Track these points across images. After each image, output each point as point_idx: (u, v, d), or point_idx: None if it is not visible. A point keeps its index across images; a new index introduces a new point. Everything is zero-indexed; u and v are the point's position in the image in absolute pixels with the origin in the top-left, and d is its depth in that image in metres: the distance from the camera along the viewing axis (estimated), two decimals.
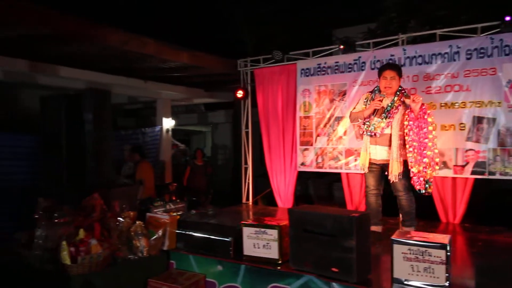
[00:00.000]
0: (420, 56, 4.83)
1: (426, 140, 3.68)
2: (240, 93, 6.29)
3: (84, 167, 4.47)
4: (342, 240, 2.72)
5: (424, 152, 3.67)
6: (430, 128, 3.69)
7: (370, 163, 3.99)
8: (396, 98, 3.86)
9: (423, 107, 3.72)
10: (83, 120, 4.45)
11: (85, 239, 3.12)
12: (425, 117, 3.70)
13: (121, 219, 3.48)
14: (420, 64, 4.84)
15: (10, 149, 5.33)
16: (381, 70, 3.95)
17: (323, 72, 5.59)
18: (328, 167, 5.52)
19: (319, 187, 7.65)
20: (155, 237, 3.54)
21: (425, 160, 3.67)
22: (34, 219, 3.59)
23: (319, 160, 5.59)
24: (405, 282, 2.53)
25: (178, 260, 3.65)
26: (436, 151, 3.79)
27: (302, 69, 5.76)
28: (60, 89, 7.54)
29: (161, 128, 9.38)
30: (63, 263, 2.98)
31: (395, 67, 3.96)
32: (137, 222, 3.52)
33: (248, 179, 6.46)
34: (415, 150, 3.70)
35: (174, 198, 5.21)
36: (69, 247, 3.00)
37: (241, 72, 6.46)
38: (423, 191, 3.74)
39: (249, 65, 6.38)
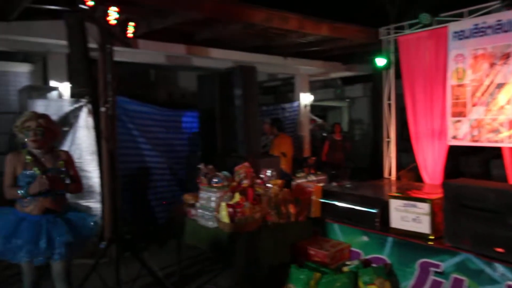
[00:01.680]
0: None
1: None
2: (381, 62, 5.99)
3: (235, 139, 4.88)
4: (509, 217, 2.44)
5: None
6: None
7: None
8: None
9: None
10: (233, 96, 4.82)
11: (240, 202, 3.44)
12: None
13: (270, 185, 3.73)
14: None
15: (174, 124, 6.18)
16: None
17: (481, 33, 4.93)
18: (486, 141, 4.91)
19: (474, 164, 6.88)
20: (301, 204, 3.71)
21: None
22: (196, 183, 4.13)
23: (475, 133, 5.01)
24: None
25: (323, 228, 3.77)
26: None
27: (455, 32, 5.17)
28: (210, 70, 8.33)
29: (299, 104, 9.59)
30: (223, 221, 3.37)
31: None
32: (284, 190, 3.73)
33: (391, 153, 6.20)
34: None
35: (313, 172, 5.34)
36: (227, 208, 3.36)
37: (383, 41, 6.14)
38: None
39: (392, 32, 6.01)
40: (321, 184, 4.14)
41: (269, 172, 3.94)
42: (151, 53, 7.15)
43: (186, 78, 11.12)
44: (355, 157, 9.43)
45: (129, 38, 3.93)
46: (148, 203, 5.91)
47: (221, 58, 7.41)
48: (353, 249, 3.52)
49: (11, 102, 6.91)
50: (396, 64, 6.02)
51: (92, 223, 3.14)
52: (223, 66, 7.92)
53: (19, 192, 2.89)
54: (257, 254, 3.35)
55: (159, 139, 6.01)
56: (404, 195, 3.20)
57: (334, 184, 4.61)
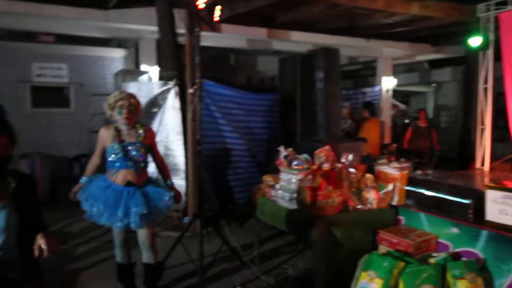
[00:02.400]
0: None
1: None
2: (476, 42, 5.47)
3: (315, 122, 4.84)
4: None
5: None
6: None
7: None
8: None
9: None
10: (315, 78, 4.75)
11: (321, 185, 3.41)
12: None
13: (352, 170, 3.65)
14: None
15: (254, 107, 6.28)
16: None
17: None
18: None
19: None
20: (384, 190, 3.59)
21: None
22: (276, 166, 4.18)
23: None
24: None
25: (407, 217, 3.60)
26: None
27: None
28: (289, 53, 8.30)
29: (381, 88, 9.19)
30: (303, 203, 3.38)
31: None
32: (367, 175, 3.63)
33: (485, 142, 5.69)
34: None
35: (393, 159, 5.10)
36: (308, 190, 3.35)
37: (482, 18, 5.59)
38: None
39: (493, 9, 5.45)
40: (406, 172, 3.95)
41: (350, 157, 3.85)
42: (232, 37, 7.31)
43: (265, 62, 11.20)
44: (441, 146, 8.84)
45: (216, 22, 4.03)
46: (228, 183, 6.12)
47: (301, 41, 7.34)
48: (440, 240, 3.32)
49: (107, 85, 7.53)
50: (495, 45, 5.47)
51: (167, 198, 3.31)
52: (302, 49, 7.84)
53: (81, 180, 3.29)
54: (337, 238, 3.32)
55: (240, 122, 6.16)
56: (503, 186, 2.93)
57: (419, 172, 4.37)
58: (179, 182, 5.54)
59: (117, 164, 3.18)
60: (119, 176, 3.19)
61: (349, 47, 8.16)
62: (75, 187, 3.27)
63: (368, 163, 4.28)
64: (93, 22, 6.18)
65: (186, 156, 5.42)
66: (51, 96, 7.32)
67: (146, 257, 3.42)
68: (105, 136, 3.25)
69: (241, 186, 6.22)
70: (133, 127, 3.30)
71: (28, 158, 6.68)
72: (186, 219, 5.53)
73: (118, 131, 3.24)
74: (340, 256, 3.35)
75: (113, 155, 3.18)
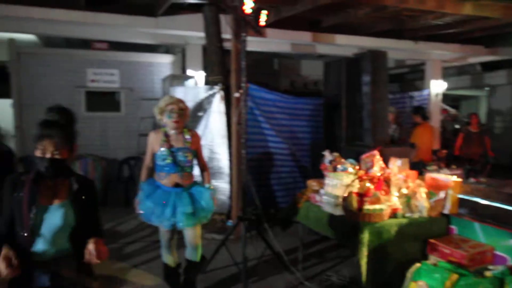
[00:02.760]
0: None
1: None
2: None
3: (361, 127, 4.74)
4: None
5: None
6: None
7: None
8: None
9: None
10: (361, 82, 4.67)
11: (369, 191, 3.34)
12: None
13: (401, 176, 3.54)
14: None
15: (297, 111, 6.25)
16: None
17: None
18: None
19: None
20: (435, 198, 3.44)
21: None
22: (320, 170, 4.13)
23: None
24: None
25: (460, 226, 3.43)
26: None
27: None
28: (332, 57, 8.20)
29: (429, 92, 8.85)
30: (349, 209, 3.31)
31: None
32: (417, 181, 3.50)
33: None
34: None
35: (443, 166, 4.89)
36: (355, 196, 3.29)
37: None
38: None
39: None
40: (458, 179, 3.77)
41: (399, 162, 3.74)
42: (276, 42, 7.34)
43: (308, 66, 11.15)
44: (495, 152, 8.37)
45: (261, 26, 4.07)
46: (271, 187, 6.12)
47: (346, 44, 7.24)
48: (497, 252, 3.13)
49: (155, 89, 7.80)
50: None
51: (210, 199, 3.42)
52: (347, 53, 7.73)
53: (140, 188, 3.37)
54: (384, 247, 3.22)
55: (283, 126, 6.16)
56: None
57: (472, 180, 4.16)
58: (223, 185, 5.62)
59: (166, 168, 3.30)
60: (168, 179, 3.31)
61: (396, 50, 7.94)
62: (136, 201, 3.37)
63: (418, 169, 4.14)
64: (144, 29, 6.44)
65: (230, 160, 5.49)
66: (103, 101, 7.69)
67: (190, 254, 3.51)
68: (154, 140, 3.36)
69: (283, 191, 6.21)
70: (181, 132, 3.40)
71: (81, 160, 7.04)
72: (230, 222, 5.60)
73: (167, 136, 3.35)
74: (388, 266, 3.25)
75: (162, 160, 3.29)
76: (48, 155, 1.89)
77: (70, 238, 1.93)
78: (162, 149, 3.29)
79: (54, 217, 1.89)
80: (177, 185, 3.32)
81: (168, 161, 3.28)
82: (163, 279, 3.67)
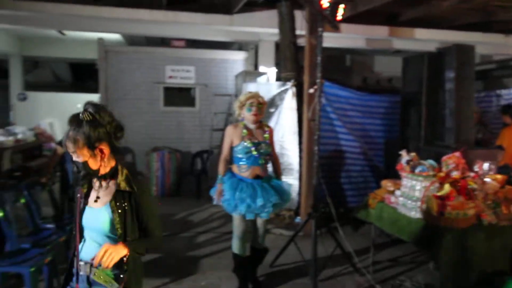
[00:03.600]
0: None
1: None
2: None
3: (442, 125, 4.45)
4: None
5: None
6: None
7: None
8: None
9: None
10: (444, 78, 4.37)
11: (451, 194, 3.13)
12: None
13: (487, 180, 3.27)
14: None
15: (371, 109, 6.04)
16: None
17: None
18: None
19: None
20: None
21: None
22: (396, 170, 3.95)
23: None
24: None
25: None
26: None
27: None
28: (409, 52, 7.78)
29: None
30: (429, 213, 3.13)
31: None
32: (507, 187, 3.21)
33: None
34: None
35: None
36: (435, 199, 3.10)
37: None
38: None
39: None
40: None
41: (486, 165, 3.46)
42: (350, 37, 7.15)
43: (382, 62, 10.72)
44: None
45: (338, 21, 3.98)
46: (341, 185, 6.00)
47: (426, 38, 6.84)
48: None
49: (228, 85, 8.00)
50: None
51: (288, 192, 3.58)
52: (426, 48, 7.29)
53: (218, 181, 3.46)
54: (467, 255, 3.00)
55: (355, 124, 5.99)
56: None
57: None
58: (292, 181, 5.61)
59: (247, 161, 3.41)
60: (249, 172, 3.43)
61: (483, 44, 7.33)
62: (217, 192, 3.48)
63: (506, 173, 3.80)
64: (220, 27, 6.63)
65: (300, 156, 5.46)
66: (179, 96, 8.06)
67: (256, 242, 3.65)
68: (233, 133, 3.47)
69: (353, 190, 6.05)
70: (260, 127, 3.49)
71: (158, 151, 7.45)
72: (298, 219, 5.58)
73: (247, 130, 3.44)
74: (471, 276, 3.03)
75: (244, 153, 3.39)
76: (73, 156, 1.79)
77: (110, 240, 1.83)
78: (245, 143, 3.40)
79: (94, 220, 1.84)
80: (257, 177, 3.43)
81: (251, 154, 3.38)
82: (232, 270, 3.76)
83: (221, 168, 3.53)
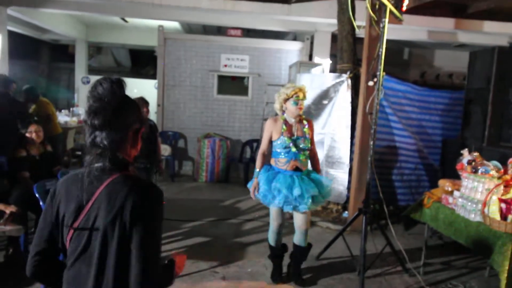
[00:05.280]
0: None
1: None
2: None
3: (509, 126, 4.17)
4: None
5: None
6: None
7: None
8: None
9: None
10: None
11: None
12: None
13: None
14: None
15: (430, 105, 5.76)
16: None
17: None
18: None
19: None
20: None
21: None
22: (455, 170, 3.77)
23: None
24: None
25: None
26: None
27: None
28: (477, 46, 7.32)
29: None
30: (491, 217, 2.96)
31: None
32: None
33: None
34: None
35: None
36: (500, 202, 2.93)
37: None
38: None
39: None
40: None
41: None
42: (411, 29, 6.85)
43: (443, 56, 10.20)
44: None
45: (403, 12, 3.82)
46: (392, 182, 5.82)
47: (496, 32, 6.39)
48: None
49: (282, 76, 7.98)
50: None
51: (329, 187, 3.50)
52: (494, 42, 6.84)
53: (255, 176, 3.45)
54: None
55: (412, 120, 5.76)
56: None
57: None
58: (341, 175, 5.53)
59: (287, 155, 3.39)
60: (288, 165, 3.40)
61: None
62: (253, 186, 3.46)
63: None
64: (277, 16, 6.60)
65: (352, 150, 5.35)
66: (233, 85, 8.15)
67: (298, 240, 3.58)
68: (273, 127, 3.44)
69: (405, 188, 5.84)
70: (300, 121, 3.45)
71: (209, 138, 7.61)
72: (346, 213, 5.50)
73: (287, 124, 3.41)
74: None
75: (283, 148, 3.38)
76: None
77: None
78: (285, 138, 3.37)
79: None
80: (297, 169, 3.41)
81: (290, 149, 3.36)
82: (268, 256, 3.82)
83: (258, 162, 3.49)
